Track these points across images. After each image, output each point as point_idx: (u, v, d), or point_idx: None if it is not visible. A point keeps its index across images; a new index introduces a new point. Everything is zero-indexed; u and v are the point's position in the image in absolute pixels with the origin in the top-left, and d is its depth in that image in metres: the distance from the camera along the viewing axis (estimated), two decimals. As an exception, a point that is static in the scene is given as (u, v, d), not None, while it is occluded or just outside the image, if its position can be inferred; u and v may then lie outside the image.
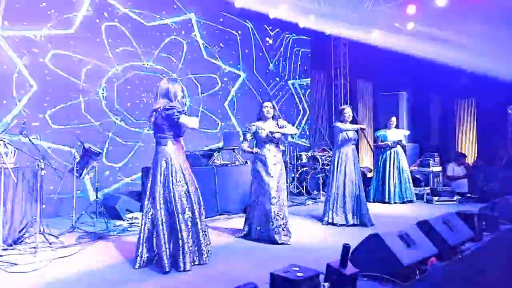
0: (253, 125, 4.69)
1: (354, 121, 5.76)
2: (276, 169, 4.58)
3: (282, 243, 4.36)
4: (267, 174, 4.54)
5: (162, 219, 3.51)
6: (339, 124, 5.60)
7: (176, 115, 3.56)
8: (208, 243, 3.76)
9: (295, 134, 4.92)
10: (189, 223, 3.60)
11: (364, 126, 6.04)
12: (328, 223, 5.39)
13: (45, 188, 4.96)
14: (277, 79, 9.74)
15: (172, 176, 3.57)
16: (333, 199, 5.44)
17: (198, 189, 3.77)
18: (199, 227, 3.65)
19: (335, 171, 5.53)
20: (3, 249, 3.83)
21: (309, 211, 6.48)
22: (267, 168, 4.56)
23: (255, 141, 4.74)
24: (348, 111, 5.66)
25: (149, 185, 3.66)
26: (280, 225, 4.44)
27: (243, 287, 1.96)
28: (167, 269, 3.38)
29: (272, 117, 4.70)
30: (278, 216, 4.45)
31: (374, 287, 2.94)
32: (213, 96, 8.36)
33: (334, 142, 5.82)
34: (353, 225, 5.30)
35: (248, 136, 4.68)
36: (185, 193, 3.61)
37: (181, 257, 3.45)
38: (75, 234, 4.79)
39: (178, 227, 3.50)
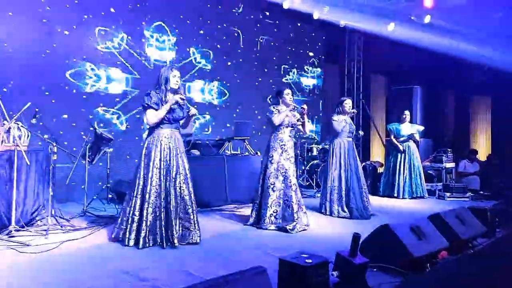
0: (278, 107, 4.67)
1: (366, 115, 5.71)
2: (292, 154, 4.62)
3: (299, 231, 4.35)
4: (286, 159, 4.54)
5: (172, 197, 3.69)
6: (335, 118, 5.60)
7: (143, 107, 3.77)
8: None
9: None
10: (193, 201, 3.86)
11: (354, 111, 5.70)
12: (325, 214, 5.41)
13: (57, 172, 5.02)
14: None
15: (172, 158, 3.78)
16: (329, 192, 5.43)
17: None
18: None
19: (330, 163, 5.53)
20: (15, 230, 3.87)
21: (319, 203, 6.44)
22: (287, 153, 4.56)
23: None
24: (348, 103, 5.62)
25: (152, 164, 3.73)
26: (297, 212, 4.43)
27: (252, 270, 1.95)
28: (176, 244, 3.62)
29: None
30: (299, 203, 4.45)
31: (384, 278, 2.91)
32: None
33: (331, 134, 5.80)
34: (350, 217, 5.24)
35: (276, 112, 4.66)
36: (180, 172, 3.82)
37: (192, 229, 3.74)
38: (86, 218, 4.85)
39: (188, 204, 3.75)
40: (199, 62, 7.92)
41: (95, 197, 5.55)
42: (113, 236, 3.80)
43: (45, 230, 3.96)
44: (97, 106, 6.55)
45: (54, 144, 4.43)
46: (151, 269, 3.07)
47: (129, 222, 3.66)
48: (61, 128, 6.02)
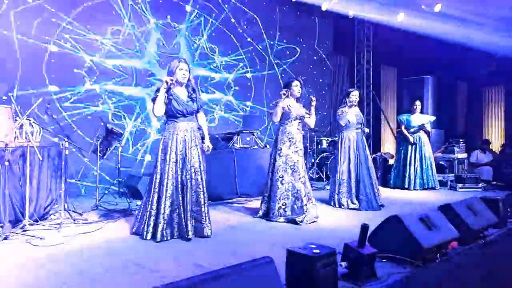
0: (282, 101, 4.63)
1: (376, 107, 5.67)
2: (301, 147, 4.60)
3: (308, 223, 4.37)
4: (294, 152, 4.54)
5: (188, 190, 3.74)
6: (339, 112, 5.56)
7: (152, 101, 3.82)
8: None
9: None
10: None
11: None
12: (334, 207, 5.40)
13: (69, 167, 5.09)
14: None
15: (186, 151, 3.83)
16: (338, 185, 5.42)
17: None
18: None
19: (338, 157, 5.50)
20: (29, 224, 3.95)
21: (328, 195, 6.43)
22: (295, 146, 4.55)
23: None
24: (355, 94, 5.54)
25: (168, 157, 3.77)
26: (306, 204, 4.44)
27: (258, 260, 1.96)
28: (190, 237, 3.67)
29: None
30: (308, 195, 4.46)
31: (393, 269, 2.90)
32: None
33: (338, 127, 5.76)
34: (359, 208, 5.24)
35: None
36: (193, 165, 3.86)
37: (204, 222, 3.79)
38: (98, 212, 4.92)
39: (200, 197, 3.80)
40: (213, 54, 7.96)
41: (106, 192, 5.62)
42: (133, 230, 3.85)
43: (59, 224, 4.04)
44: (107, 101, 6.62)
45: (66, 140, 4.50)
46: (163, 261, 3.12)
47: (147, 216, 3.71)
48: (72, 123, 6.11)
